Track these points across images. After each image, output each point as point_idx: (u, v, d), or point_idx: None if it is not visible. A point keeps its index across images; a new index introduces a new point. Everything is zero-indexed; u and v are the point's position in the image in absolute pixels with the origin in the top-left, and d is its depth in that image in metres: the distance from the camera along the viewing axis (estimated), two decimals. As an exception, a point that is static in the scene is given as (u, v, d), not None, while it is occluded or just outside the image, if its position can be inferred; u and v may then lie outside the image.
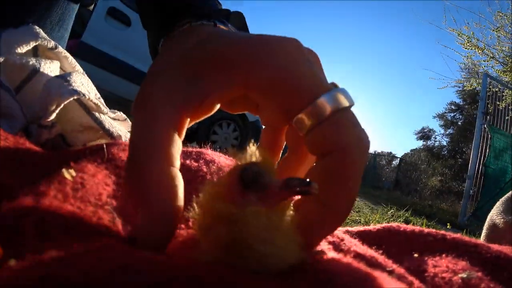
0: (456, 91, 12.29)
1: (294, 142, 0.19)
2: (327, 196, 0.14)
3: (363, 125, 0.16)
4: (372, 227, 0.28)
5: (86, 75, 0.32)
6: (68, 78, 0.28)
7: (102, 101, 0.30)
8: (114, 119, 0.33)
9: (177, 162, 0.16)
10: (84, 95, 0.27)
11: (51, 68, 0.29)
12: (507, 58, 6.28)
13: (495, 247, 0.23)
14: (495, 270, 0.20)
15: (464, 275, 0.19)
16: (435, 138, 14.61)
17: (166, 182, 0.15)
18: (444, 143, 13.90)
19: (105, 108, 0.30)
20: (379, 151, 13.78)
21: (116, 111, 0.34)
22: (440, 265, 0.20)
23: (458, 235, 0.25)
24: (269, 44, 0.16)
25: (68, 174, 0.16)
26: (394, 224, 0.28)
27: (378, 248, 0.20)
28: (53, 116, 0.25)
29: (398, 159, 12.59)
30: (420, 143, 14.77)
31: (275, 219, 0.13)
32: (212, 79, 0.16)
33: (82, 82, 0.29)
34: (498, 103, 3.77)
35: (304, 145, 0.16)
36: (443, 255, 0.22)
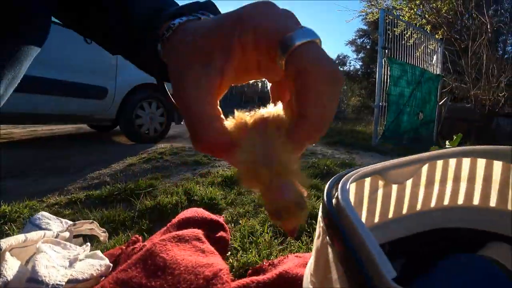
0: (362, 19, 13.17)
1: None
2: (301, 108, 0.18)
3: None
4: None
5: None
6: None
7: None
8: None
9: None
10: None
11: None
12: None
13: None
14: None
15: None
16: (350, 63, 16.13)
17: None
18: (358, 67, 15.38)
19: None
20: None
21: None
22: None
23: None
24: (247, 8, 0.20)
25: None
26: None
27: None
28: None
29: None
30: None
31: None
32: (218, 56, 0.20)
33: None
34: (394, 29, 4.22)
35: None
36: None
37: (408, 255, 0.41)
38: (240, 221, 1.03)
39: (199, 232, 0.74)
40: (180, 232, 0.70)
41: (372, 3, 7.98)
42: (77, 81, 2.38)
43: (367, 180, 0.32)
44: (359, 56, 15.43)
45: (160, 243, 0.65)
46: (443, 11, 6.07)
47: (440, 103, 4.64)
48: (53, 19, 0.31)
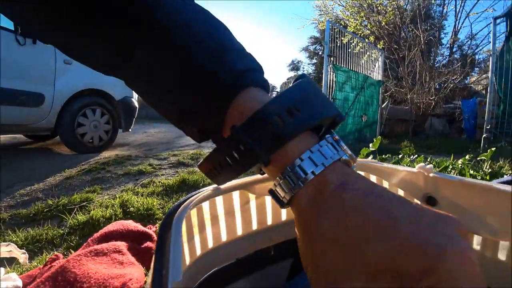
0: (315, 26, 13.90)
1: None
2: None
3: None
4: None
5: None
6: None
7: None
8: None
9: None
10: None
11: None
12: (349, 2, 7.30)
13: None
14: None
15: None
16: (303, 68, 17.02)
17: None
18: (311, 71, 16.17)
19: None
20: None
21: None
22: None
23: None
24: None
25: None
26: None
27: None
28: None
29: (278, 88, 14.53)
30: (292, 74, 16.74)
31: None
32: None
33: None
34: (342, 38, 4.53)
35: None
36: None
37: (296, 255, 0.47)
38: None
39: (120, 245, 0.75)
40: (98, 246, 0.71)
41: (323, 12, 8.47)
42: (7, 87, 2.17)
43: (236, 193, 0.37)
44: (312, 62, 16.27)
45: (74, 258, 0.65)
46: (384, 23, 6.68)
47: (381, 106, 5.08)
48: None
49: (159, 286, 0.17)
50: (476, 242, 0.27)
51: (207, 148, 2.97)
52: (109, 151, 2.84)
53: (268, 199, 0.35)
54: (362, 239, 0.16)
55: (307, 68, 16.69)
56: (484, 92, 6.40)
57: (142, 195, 1.39)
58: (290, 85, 0.21)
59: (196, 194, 0.29)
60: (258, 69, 0.24)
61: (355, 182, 0.18)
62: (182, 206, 0.25)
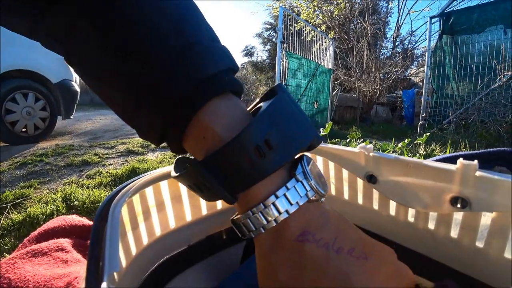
0: (269, 12, 13.88)
1: None
2: None
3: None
4: None
5: None
6: None
7: None
8: None
9: None
10: None
11: None
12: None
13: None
14: None
15: None
16: (257, 54, 17.05)
17: None
18: (265, 58, 16.29)
19: None
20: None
21: None
22: None
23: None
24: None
25: None
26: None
27: None
28: None
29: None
30: (246, 59, 16.67)
31: None
32: None
33: None
34: (295, 25, 4.60)
35: None
36: None
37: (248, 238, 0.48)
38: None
39: (64, 242, 0.69)
40: (37, 246, 0.65)
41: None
42: None
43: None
44: (266, 48, 16.34)
45: (7, 262, 0.58)
46: (335, 13, 6.94)
47: (332, 94, 5.36)
48: None
49: (95, 279, 0.16)
50: (411, 214, 0.30)
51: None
52: (47, 141, 2.55)
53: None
54: None
55: (261, 54, 16.73)
56: (421, 83, 7.12)
57: (87, 187, 1.29)
58: (263, 105, 0.19)
59: (136, 179, 0.28)
60: (228, 68, 0.20)
61: (317, 231, 0.17)
62: (120, 193, 0.24)
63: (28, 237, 0.73)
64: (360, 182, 0.35)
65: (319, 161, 0.39)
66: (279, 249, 0.17)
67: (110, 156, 1.93)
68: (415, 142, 1.90)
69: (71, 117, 2.83)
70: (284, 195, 0.18)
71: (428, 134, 1.69)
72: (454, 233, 0.27)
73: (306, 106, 4.49)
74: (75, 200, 1.12)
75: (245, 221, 0.19)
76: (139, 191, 0.27)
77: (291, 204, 0.18)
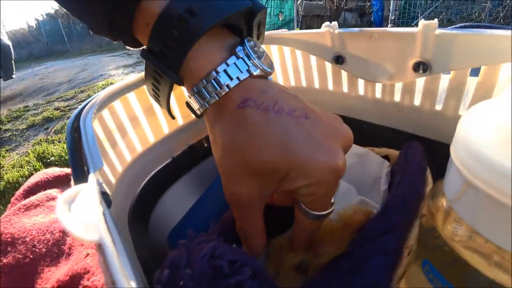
0: None
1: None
2: None
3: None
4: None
5: None
6: None
7: None
8: None
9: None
10: None
11: None
12: None
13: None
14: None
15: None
16: None
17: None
18: None
19: None
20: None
21: None
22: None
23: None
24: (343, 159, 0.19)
25: None
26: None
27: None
28: None
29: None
30: None
31: None
32: (267, 180, 0.18)
33: None
34: None
35: None
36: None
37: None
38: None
39: (52, 192, 0.69)
40: (27, 201, 0.65)
41: None
42: None
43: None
44: None
45: (2, 221, 0.59)
46: None
47: (297, 3, 4.96)
48: None
49: (80, 177, 0.16)
50: (378, 91, 0.31)
51: (118, 76, 2.62)
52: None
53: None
54: (255, 147, 0.17)
55: None
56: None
57: (59, 141, 1.24)
58: None
59: (100, 93, 0.26)
60: None
61: (258, 98, 0.18)
62: (86, 107, 0.22)
63: (14, 197, 0.72)
64: (328, 67, 0.34)
65: (287, 51, 0.38)
66: (222, 117, 0.19)
67: (73, 106, 1.80)
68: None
69: (13, 76, 2.50)
70: (225, 71, 0.18)
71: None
72: (416, 101, 0.29)
73: (271, 18, 4.20)
74: (51, 156, 1.08)
75: (192, 98, 0.20)
76: (106, 103, 0.25)
77: (231, 79, 0.18)
